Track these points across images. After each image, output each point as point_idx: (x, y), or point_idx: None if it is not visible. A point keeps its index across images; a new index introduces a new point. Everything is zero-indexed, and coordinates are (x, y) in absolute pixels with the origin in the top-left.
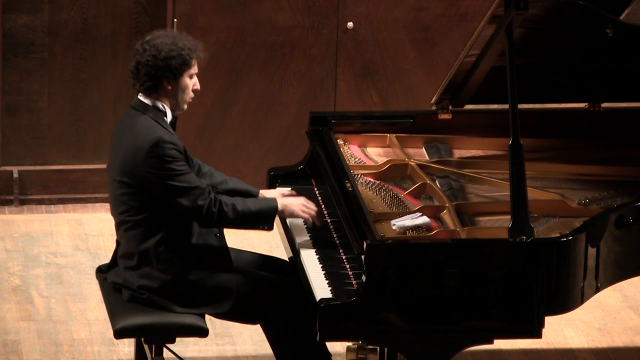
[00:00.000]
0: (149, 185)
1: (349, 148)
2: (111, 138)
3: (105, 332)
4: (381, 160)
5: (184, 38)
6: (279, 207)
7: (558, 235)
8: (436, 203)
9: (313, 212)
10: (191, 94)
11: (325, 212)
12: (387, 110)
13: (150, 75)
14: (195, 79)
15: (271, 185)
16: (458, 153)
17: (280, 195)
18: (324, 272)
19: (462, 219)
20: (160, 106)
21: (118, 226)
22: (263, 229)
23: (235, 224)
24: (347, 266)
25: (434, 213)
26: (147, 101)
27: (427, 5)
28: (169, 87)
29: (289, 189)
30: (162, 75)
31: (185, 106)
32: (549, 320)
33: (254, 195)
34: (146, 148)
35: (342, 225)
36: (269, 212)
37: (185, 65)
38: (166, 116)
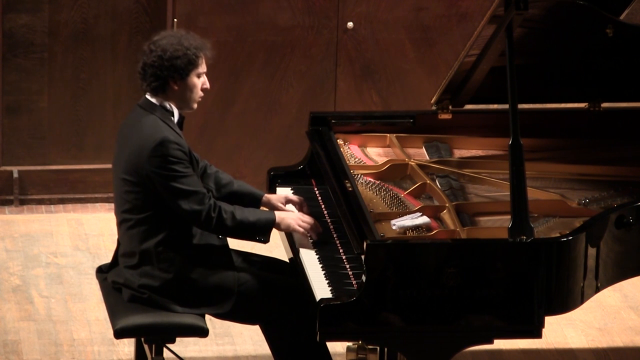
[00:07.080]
0: (151, 184)
1: (349, 148)
2: (117, 136)
3: (105, 332)
4: (381, 160)
5: (190, 37)
6: (277, 219)
7: (558, 235)
8: (436, 203)
9: (308, 226)
10: (200, 93)
11: (325, 212)
12: (387, 110)
13: (157, 76)
14: (204, 78)
15: (271, 185)
16: (458, 153)
17: (284, 200)
18: (324, 272)
19: (462, 219)
20: (168, 106)
21: (120, 225)
22: (259, 241)
23: (233, 232)
24: (347, 266)
25: (434, 213)
26: (154, 101)
27: (427, 5)
28: (176, 87)
29: (290, 189)
30: (168, 76)
31: (195, 105)
32: (549, 320)
33: (259, 198)
34: (151, 147)
35: (342, 225)
36: (267, 223)
37: (191, 65)
38: (173, 116)
